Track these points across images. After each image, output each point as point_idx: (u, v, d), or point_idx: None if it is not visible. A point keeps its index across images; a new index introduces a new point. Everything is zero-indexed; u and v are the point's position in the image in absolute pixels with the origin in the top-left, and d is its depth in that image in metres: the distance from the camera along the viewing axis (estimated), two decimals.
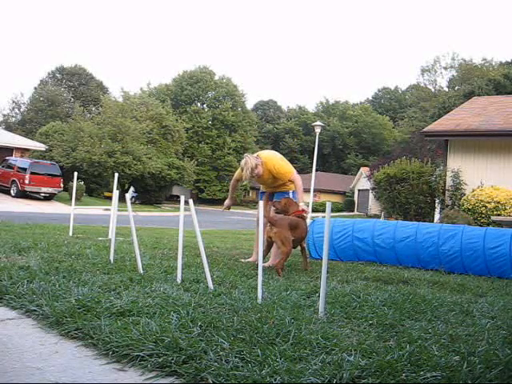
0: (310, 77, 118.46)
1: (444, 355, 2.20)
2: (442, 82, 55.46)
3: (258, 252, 5.41)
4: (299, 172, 5.72)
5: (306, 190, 35.87)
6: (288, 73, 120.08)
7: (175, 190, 43.25)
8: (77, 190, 9.26)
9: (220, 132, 51.22)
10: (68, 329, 2.46)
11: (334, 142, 59.72)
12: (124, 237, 7.45)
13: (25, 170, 23.80)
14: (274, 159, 5.43)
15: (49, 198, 24.81)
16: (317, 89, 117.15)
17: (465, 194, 12.85)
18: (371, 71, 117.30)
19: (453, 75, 50.78)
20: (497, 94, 27.36)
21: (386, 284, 4.34)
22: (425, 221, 12.34)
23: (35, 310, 2.75)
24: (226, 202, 5.93)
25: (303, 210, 5.14)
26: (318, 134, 22.93)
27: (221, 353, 2.11)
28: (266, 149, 5.71)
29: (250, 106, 61.13)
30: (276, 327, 2.49)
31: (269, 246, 4.88)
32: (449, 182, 13.49)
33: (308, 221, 5.75)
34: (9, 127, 44.70)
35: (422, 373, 1.97)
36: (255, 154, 5.45)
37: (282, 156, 5.64)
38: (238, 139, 51.63)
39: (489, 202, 11.66)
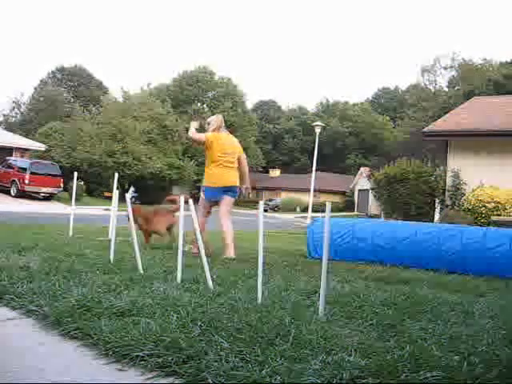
0: (310, 77, 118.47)
1: (444, 355, 2.20)
2: (442, 82, 55.33)
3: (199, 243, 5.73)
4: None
5: (306, 190, 35.80)
6: (288, 73, 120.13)
7: (175, 190, 43.24)
8: (77, 190, 9.26)
9: None
10: (68, 329, 2.46)
11: (333, 142, 59.72)
12: (124, 237, 7.45)
13: (25, 169, 23.81)
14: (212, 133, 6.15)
15: (49, 198, 24.81)
16: (317, 89, 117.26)
17: (465, 194, 12.86)
18: (371, 71, 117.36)
19: (453, 75, 50.77)
20: (497, 94, 27.36)
21: (386, 284, 4.34)
22: (425, 221, 12.34)
23: (35, 310, 2.75)
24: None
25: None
26: (318, 133, 22.96)
27: (221, 353, 2.11)
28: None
29: (250, 105, 61.16)
30: (276, 327, 2.49)
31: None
32: (449, 182, 13.50)
33: (308, 221, 5.84)
34: (9, 127, 44.70)
35: (421, 373, 1.97)
36: (220, 132, 6.20)
37: (218, 136, 6.14)
38: (238, 139, 51.41)
39: (489, 202, 11.66)
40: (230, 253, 5.71)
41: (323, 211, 3.49)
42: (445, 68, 52.30)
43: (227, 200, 5.96)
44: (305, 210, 37.72)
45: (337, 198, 45.30)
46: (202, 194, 6.13)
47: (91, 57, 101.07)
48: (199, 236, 3.71)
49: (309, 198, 23.04)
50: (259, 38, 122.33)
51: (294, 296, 3.40)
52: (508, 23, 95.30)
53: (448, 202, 13.38)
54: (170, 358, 2.06)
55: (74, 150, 30.50)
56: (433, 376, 1.95)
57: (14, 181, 24.01)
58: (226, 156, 6.00)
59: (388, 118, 62.06)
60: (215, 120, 6.19)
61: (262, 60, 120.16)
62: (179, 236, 3.82)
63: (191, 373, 1.96)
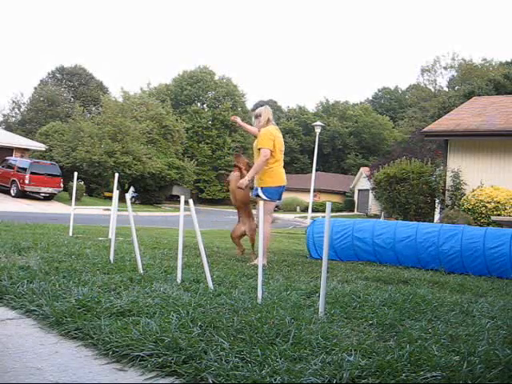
0: (310, 77, 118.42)
1: (444, 355, 2.20)
2: (442, 82, 55.62)
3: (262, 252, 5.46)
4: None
5: (306, 190, 35.74)
6: (288, 73, 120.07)
7: (175, 190, 43.25)
8: (77, 190, 9.27)
9: (220, 132, 51.24)
10: (68, 329, 2.46)
11: (333, 142, 59.72)
12: (124, 237, 7.45)
13: (25, 170, 23.80)
14: (266, 129, 5.51)
15: (49, 197, 24.81)
16: (317, 89, 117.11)
17: (465, 194, 12.85)
18: (371, 71, 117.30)
19: (453, 75, 50.80)
20: (497, 94, 27.34)
21: (386, 284, 4.34)
22: (425, 221, 12.34)
23: (35, 310, 2.75)
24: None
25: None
26: (318, 133, 22.97)
27: (221, 353, 2.11)
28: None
29: (250, 105, 61.16)
30: (276, 327, 2.49)
31: None
32: (449, 182, 13.50)
33: (308, 221, 5.84)
34: (9, 127, 44.70)
35: (421, 373, 1.97)
36: (270, 125, 5.57)
37: (275, 134, 5.51)
38: (238, 139, 51.63)
39: (489, 202, 11.66)
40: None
41: (323, 211, 3.49)
42: (445, 68, 52.36)
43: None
44: (305, 210, 37.73)
45: (337, 198, 45.29)
46: (263, 197, 5.41)
47: (91, 57, 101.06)
48: (200, 240, 3.69)
49: (309, 198, 23.03)
50: (259, 38, 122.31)
51: (294, 296, 3.40)
52: (508, 23, 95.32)
53: (448, 202, 13.38)
54: (169, 358, 2.06)
55: (73, 150, 30.47)
56: (433, 376, 1.95)
57: (14, 181, 24.00)
58: (282, 153, 5.63)
59: (388, 118, 62.06)
60: (265, 112, 5.62)
61: (262, 60, 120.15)
62: (179, 238, 3.82)
63: (191, 373, 1.96)
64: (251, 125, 5.96)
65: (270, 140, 5.42)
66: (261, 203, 3.46)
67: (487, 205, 11.63)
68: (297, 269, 5.05)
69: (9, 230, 7.45)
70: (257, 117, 5.64)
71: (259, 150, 5.44)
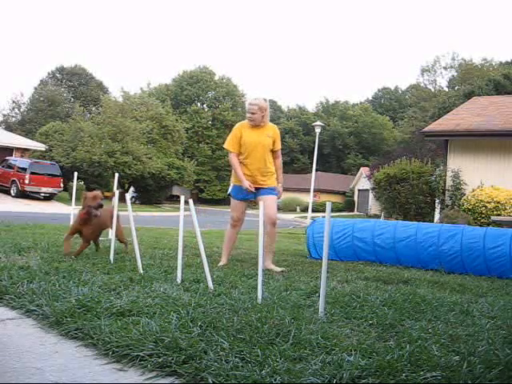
0: (310, 77, 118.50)
1: (444, 355, 2.20)
2: (442, 82, 55.64)
3: (228, 255, 5.24)
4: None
5: (306, 190, 35.75)
6: (288, 73, 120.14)
7: (175, 190, 43.26)
8: (77, 190, 9.25)
9: (220, 132, 51.26)
10: (68, 329, 2.46)
11: (333, 142, 59.71)
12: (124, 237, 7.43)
13: (25, 169, 23.80)
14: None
15: (49, 198, 24.81)
16: (317, 89, 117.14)
17: (465, 194, 12.86)
18: (371, 71, 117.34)
19: (453, 75, 50.81)
20: (497, 94, 27.33)
21: (385, 284, 4.34)
22: (425, 221, 12.34)
23: (35, 310, 2.75)
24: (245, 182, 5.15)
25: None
26: (318, 133, 22.98)
27: (221, 353, 2.11)
28: None
29: None
30: (276, 327, 2.49)
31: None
32: (449, 182, 13.51)
33: (308, 221, 5.80)
34: (9, 127, 44.67)
35: (421, 373, 1.97)
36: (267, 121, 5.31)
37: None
38: None
39: (489, 202, 11.66)
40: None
41: (323, 211, 3.48)
42: (445, 68, 52.36)
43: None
44: (305, 210, 37.73)
45: (337, 198, 45.27)
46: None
47: (91, 57, 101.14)
48: (200, 240, 3.69)
49: (309, 198, 23.03)
50: (259, 38, 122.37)
51: (294, 296, 3.40)
52: (508, 23, 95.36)
53: (448, 202, 13.39)
54: (169, 358, 2.06)
55: (73, 150, 30.46)
56: (433, 376, 1.95)
57: (14, 181, 24.00)
58: None
59: (388, 118, 62.05)
60: (267, 105, 5.30)
61: (262, 60, 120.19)
62: (179, 238, 3.82)
63: (191, 373, 1.96)
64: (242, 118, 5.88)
65: (276, 131, 5.40)
66: (261, 203, 3.44)
67: (487, 205, 11.64)
68: (297, 269, 5.05)
69: (9, 229, 7.45)
70: (261, 110, 5.18)
71: (276, 151, 5.31)
